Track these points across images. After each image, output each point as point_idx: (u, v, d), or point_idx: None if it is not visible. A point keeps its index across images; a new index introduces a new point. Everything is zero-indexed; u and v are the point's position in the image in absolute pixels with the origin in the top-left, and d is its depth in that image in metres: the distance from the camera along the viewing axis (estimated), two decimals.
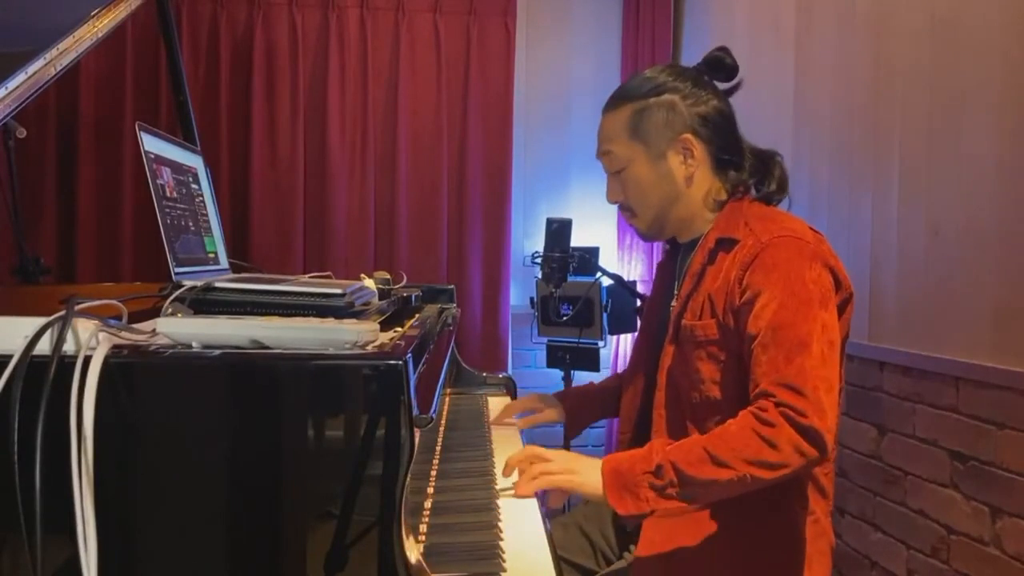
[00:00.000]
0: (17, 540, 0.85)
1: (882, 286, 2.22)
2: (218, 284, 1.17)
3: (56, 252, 3.24)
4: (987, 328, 1.84)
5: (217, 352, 0.93)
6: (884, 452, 2.22)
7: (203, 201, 1.61)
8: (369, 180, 3.49)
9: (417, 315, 1.79)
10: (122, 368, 0.89)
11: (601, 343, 3.07)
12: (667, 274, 1.56)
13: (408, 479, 0.92)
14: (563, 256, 2.42)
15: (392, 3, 3.50)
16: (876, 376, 2.24)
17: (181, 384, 0.93)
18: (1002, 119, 1.80)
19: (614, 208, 1.51)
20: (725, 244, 1.36)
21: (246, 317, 1.03)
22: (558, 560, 1.13)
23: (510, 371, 3.53)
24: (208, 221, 1.60)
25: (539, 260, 2.49)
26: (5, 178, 2.32)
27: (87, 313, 0.91)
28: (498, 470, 1.46)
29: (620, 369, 3.02)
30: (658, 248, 3.36)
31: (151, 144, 1.39)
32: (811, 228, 1.37)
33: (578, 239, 2.64)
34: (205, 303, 1.14)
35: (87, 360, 0.85)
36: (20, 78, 1.22)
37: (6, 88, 1.19)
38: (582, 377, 2.73)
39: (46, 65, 1.29)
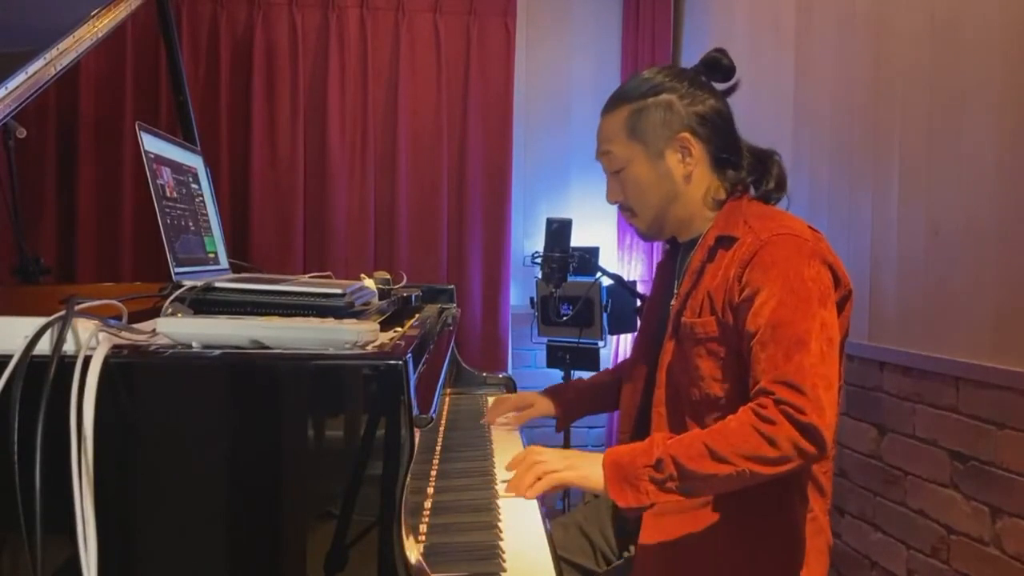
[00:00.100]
0: (17, 540, 0.85)
1: (882, 286, 2.22)
2: (218, 284, 1.17)
3: (56, 252, 3.24)
4: (987, 328, 1.84)
5: (217, 352, 0.93)
6: (884, 452, 2.22)
7: (203, 201, 1.61)
8: (369, 180, 3.49)
9: (417, 315, 1.79)
10: (122, 368, 0.89)
11: (601, 343, 3.07)
12: (667, 273, 1.57)
13: (408, 479, 0.92)
14: (563, 256, 2.42)
15: (392, 3, 3.50)
16: (876, 376, 2.24)
17: (181, 384, 0.93)
18: (1002, 119, 1.80)
19: (614, 208, 1.51)
20: (725, 242, 1.37)
21: (246, 317, 1.03)
22: (558, 560, 1.14)
23: (510, 371, 3.53)
24: (208, 221, 1.60)
25: (539, 260, 2.49)
26: (5, 178, 2.32)
27: (87, 313, 0.91)
28: (498, 470, 1.47)
29: None
30: (658, 248, 3.36)
31: (151, 144, 1.39)
32: (810, 226, 1.38)
33: (578, 239, 2.64)
34: (205, 303, 1.14)
35: (87, 360, 0.85)
36: (20, 78, 1.22)
37: (6, 88, 1.19)
38: (582, 377, 2.73)
39: (46, 65, 1.29)
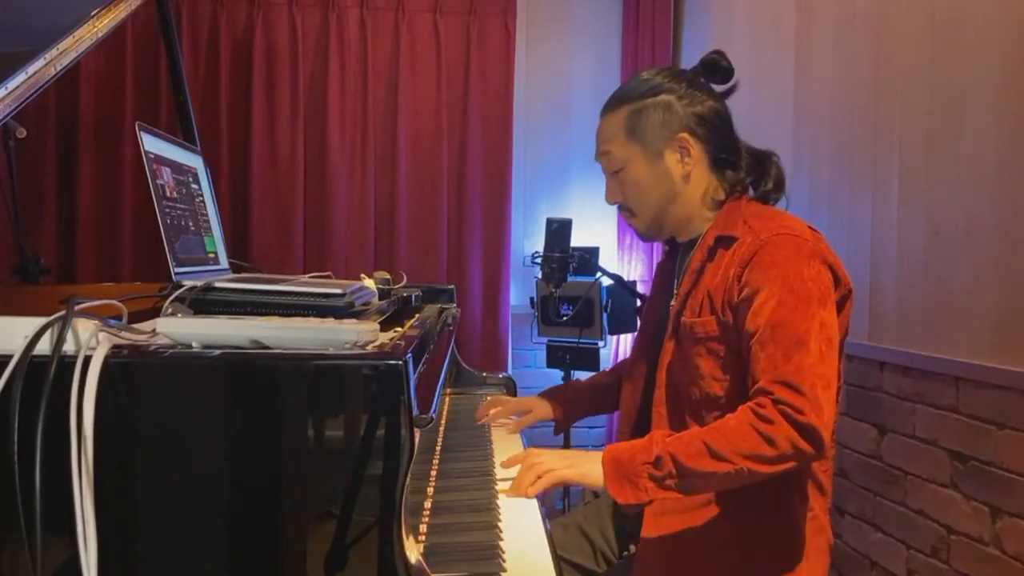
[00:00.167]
0: (17, 540, 0.85)
1: (882, 286, 2.22)
2: (218, 284, 1.17)
3: (56, 252, 3.24)
4: (987, 328, 1.84)
5: (217, 352, 0.93)
6: (884, 452, 2.22)
7: (203, 201, 1.61)
8: (369, 180, 3.49)
9: (417, 315, 1.79)
10: (122, 368, 0.89)
11: (601, 343, 3.07)
12: (667, 273, 1.57)
13: (408, 479, 0.92)
14: (563, 256, 2.42)
15: (392, 3, 3.50)
16: (876, 376, 2.24)
17: (181, 384, 0.93)
18: (1002, 119, 1.80)
19: (614, 208, 1.52)
20: (724, 241, 1.38)
21: (246, 317, 1.03)
22: (558, 560, 1.14)
23: (510, 371, 3.53)
24: (208, 221, 1.60)
25: (539, 260, 2.49)
26: (5, 178, 2.32)
27: (87, 313, 0.91)
28: (498, 470, 1.47)
29: None
30: (658, 248, 3.36)
31: (151, 144, 1.39)
32: (809, 226, 1.38)
33: (578, 239, 2.64)
34: (205, 303, 1.14)
35: (87, 360, 0.85)
36: (20, 78, 1.22)
37: (6, 88, 1.19)
38: (582, 377, 2.73)
39: (46, 65, 1.29)
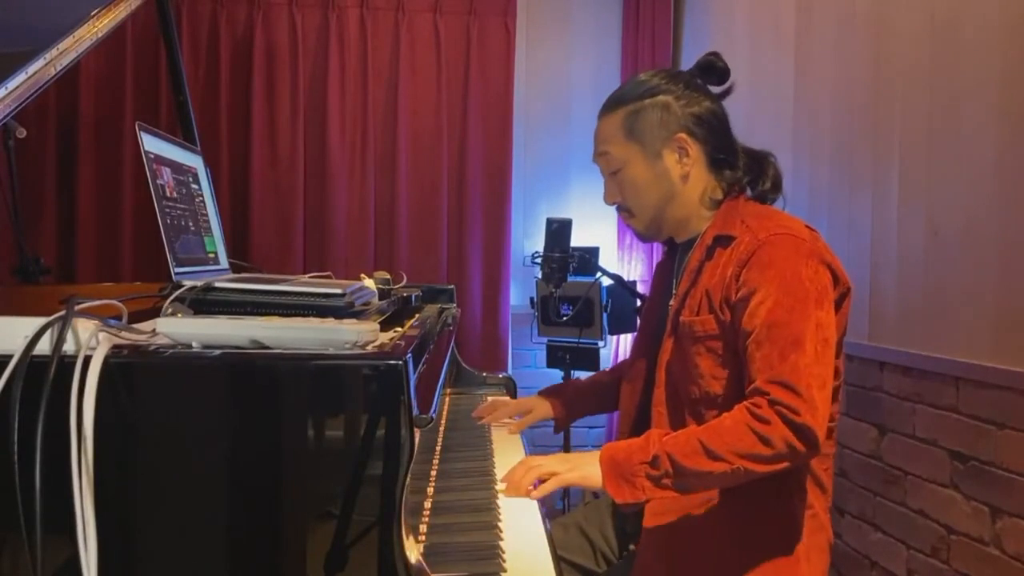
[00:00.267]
0: (17, 540, 0.85)
1: (882, 286, 2.22)
2: (218, 284, 1.17)
3: (56, 252, 3.24)
4: (987, 328, 1.84)
5: (217, 352, 0.93)
6: (884, 452, 2.22)
7: (203, 201, 1.61)
8: (369, 180, 3.49)
9: (417, 315, 1.79)
10: (122, 368, 0.89)
11: (601, 343, 3.07)
12: (666, 273, 1.58)
13: (408, 479, 0.92)
14: (563, 256, 2.42)
15: (392, 3, 3.50)
16: (876, 376, 2.24)
17: (181, 384, 0.93)
18: (1002, 119, 1.80)
19: (614, 208, 1.52)
20: (722, 241, 1.38)
21: (246, 317, 1.03)
22: (558, 560, 1.14)
23: (510, 371, 3.53)
24: (208, 221, 1.60)
25: (539, 260, 2.49)
26: (5, 178, 2.32)
27: (87, 313, 0.91)
28: (498, 470, 1.47)
29: None
30: (658, 248, 3.35)
31: (151, 144, 1.39)
32: (807, 225, 1.39)
33: (578, 239, 2.64)
34: (205, 303, 1.14)
35: (87, 360, 0.85)
36: (20, 78, 1.22)
37: (6, 88, 1.19)
38: (582, 377, 2.73)
39: (46, 65, 1.29)
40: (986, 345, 1.84)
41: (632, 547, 1.56)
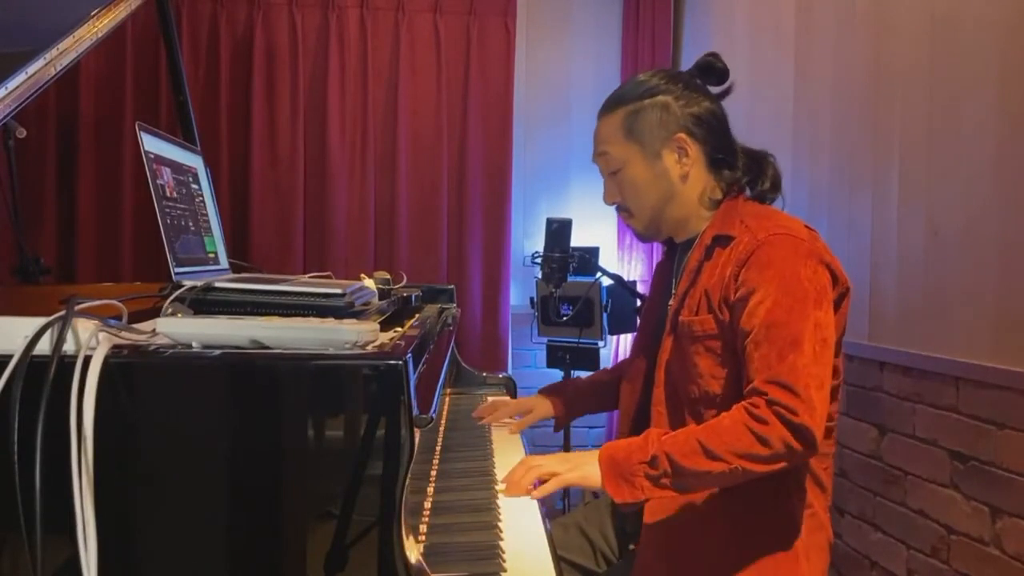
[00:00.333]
0: (17, 540, 0.85)
1: (882, 286, 2.22)
2: (218, 284, 1.17)
3: (56, 252, 3.24)
4: (987, 328, 1.84)
5: (217, 352, 0.93)
6: (884, 452, 2.22)
7: (203, 201, 1.61)
8: (369, 180, 3.49)
9: (417, 315, 1.79)
10: (122, 368, 0.89)
11: (601, 343, 3.07)
12: (665, 273, 1.58)
13: (408, 479, 0.92)
14: (563, 256, 2.42)
15: (392, 3, 3.50)
16: (876, 376, 2.24)
17: (181, 384, 0.93)
18: (1002, 119, 1.80)
19: (614, 208, 1.52)
20: (721, 241, 1.39)
21: (246, 317, 1.03)
22: (558, 560, 1.14)
23: (510, 371, 3.53)
24: (208, 221, 1.60)
25: (539, 260, 2.49)
26: (5, 178, 2.32)
27: (87, 313, 0.91)
28: (498, 470, 1.47)
29: None
30: (658, 248, 3.35)
31: (151, 144, 1.39)
32: (806, 225, 1.39)
33: (578, 239, 2.64)
34: (205, 303, 1.14)
35: (87, 360, 0.85)
36: (20, 78, 1.22)
37: (6, 88, 1.19)
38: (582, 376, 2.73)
39: (46, 65, 1.29)
40: (986, 345, 1.84)
41: (632, 547, 1.56)
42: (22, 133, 2.22)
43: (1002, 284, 1.80)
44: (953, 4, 1.96)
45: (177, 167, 1.50)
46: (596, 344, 3.05)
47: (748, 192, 1.47)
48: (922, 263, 2.05)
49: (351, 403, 0.94)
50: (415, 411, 0.93)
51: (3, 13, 1.48)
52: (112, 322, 0.95)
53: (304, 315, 1.10)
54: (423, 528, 1.20)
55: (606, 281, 2.87)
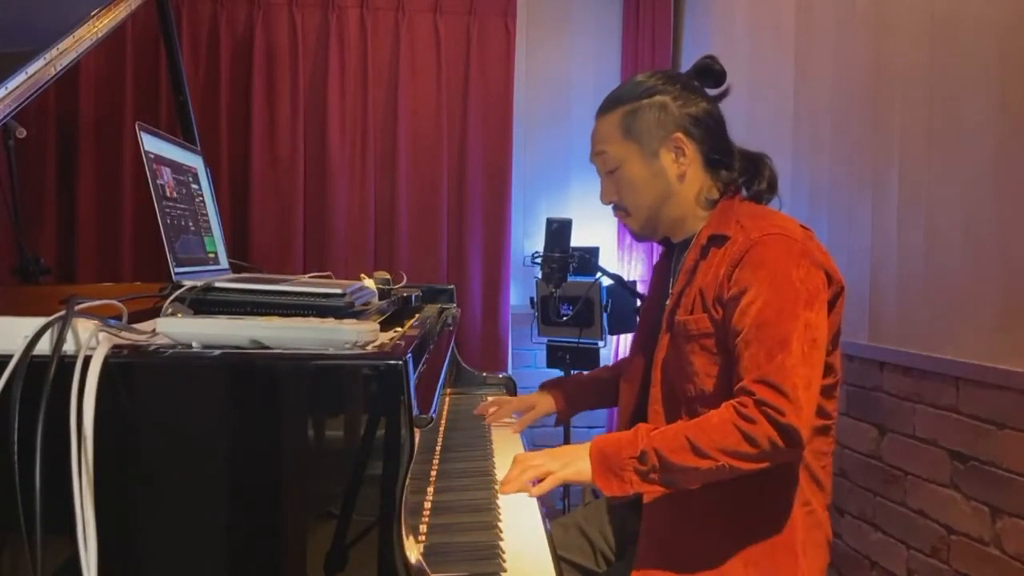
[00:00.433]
0: (17, 540, 0.86)
1: (882, 286, 2.22)
2: (218, 284, 1.17)
3: (56, 252, 3.24)
4: (987, 328, 1.84)
5: (217, 352, 0.93)
6: (884, 452, 2.22)
7: (203, 201, 1.61)
8: (369, 180, 3.49)
9: (417, 315, 1.79)
10: (122, 368, 0.89)
11: (601, 343, 3.07)
12: (663, 273, 1.59)
13: (408, 479, 0.92)
14: (563, 256, 2.42)
15: (392, 3, 3.50)
16: (876, 376, 2.24)
17: (181, 384, 0.93)
18: (1001, 119, 1.80)
19: (611, 207, 1.53)
20: (717, 240, 1.39)
21: (246, 317, 1.03)
22: (558, 560, 1.14)
23: (510, 371, 3.53)
24: (208, 221, 1.60)
25: (539, 260, 2.49)
26: (5, 178, 2.32)
27: (87, 313, 0.91)
28: (498, 470, 1.47)
29: None
30: (658, 248, 3.36)
31: (151, 144, 1.39)
32: (801, 225, 1.40)
33: (578, 239, 2.64)
34: (205, 303, 1.14)
35: (87, 360, 0.85)
36: (20, 78, 1.22)
37: (6, 88, 1.19)
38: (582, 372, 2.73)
39: (46, 65, 1.29)
40: (986, 345, 1.84)
41: (631, 547, 1.56)
42: (22, 133, 2.22)
43: (1002, 284, 1.80)
44: (953, 4, 1.96)
45: (177, 167, 1.50)
46: (596, 344, 3.05)
47: (744, 192, 1.47)
48: (922, 263, 2.05)
49: (351, 403, 0.94)
50: (415, 411, 0.93)
51: (3, 13, 1.48)
52: (112, 322, 0.95)
53: (304, 315, 1.10)
54: (423, 528, 1.20)
55: (606, 281, 2.87)
